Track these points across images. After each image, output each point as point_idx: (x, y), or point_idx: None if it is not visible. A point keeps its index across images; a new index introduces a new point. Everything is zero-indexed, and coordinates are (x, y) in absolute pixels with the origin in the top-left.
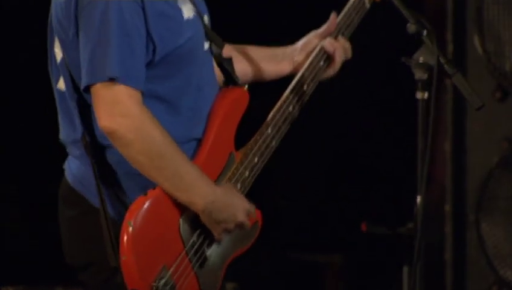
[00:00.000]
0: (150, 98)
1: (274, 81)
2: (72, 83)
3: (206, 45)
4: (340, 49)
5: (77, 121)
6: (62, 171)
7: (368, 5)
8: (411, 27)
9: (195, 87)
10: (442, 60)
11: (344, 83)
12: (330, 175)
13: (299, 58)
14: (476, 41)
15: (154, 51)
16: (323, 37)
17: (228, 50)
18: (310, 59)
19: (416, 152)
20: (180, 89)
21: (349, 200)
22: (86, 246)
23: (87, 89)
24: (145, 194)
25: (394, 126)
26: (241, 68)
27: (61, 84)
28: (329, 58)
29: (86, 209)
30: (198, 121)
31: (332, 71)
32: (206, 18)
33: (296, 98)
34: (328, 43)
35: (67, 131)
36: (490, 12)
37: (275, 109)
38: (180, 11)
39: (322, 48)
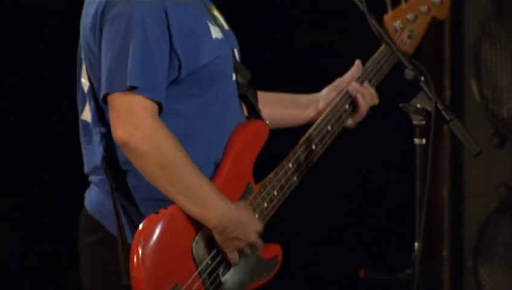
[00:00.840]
0: (173, 115)
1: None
2: (96, 107)
3: (234, 76)
4: (365, 95)
5: (98, 146)
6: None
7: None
8: (409, 73)
9: (219, 110)
10: (439, 106)
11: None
12: (328, 219)
13: (323, 105)
14: (474, 87)
15: (180, 67)
16: (348, 82)
17: (260, 97)
18: (335, 101)
19: (414, 198)
20: (204, 109)
21: (347, 246)
22: (103, 272)
23: (105, 99)
24: (157, 212)
25: (392, 171)
26: (266, 113)
27: (85, 114)
28: (353, 102)
29: (104, 236)
30: (219, 145)
31: (358, 117)
32: (236, 51)
33: (319, 137)
34: (352, 87)
35: (89, 159)
36: (488, 58)
37: (297, 145)
38: (208, 30)
39: (347, 92)
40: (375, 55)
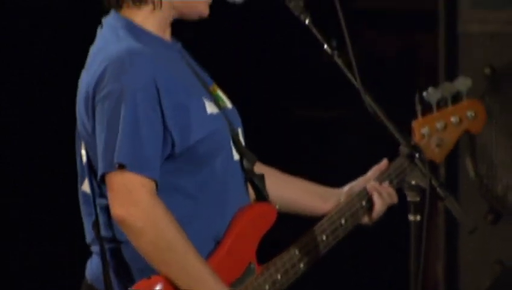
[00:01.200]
0: (171, 191)
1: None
2: (95, 180)
3: (236, 156)
4: (382, 193)
5: (97, 217)
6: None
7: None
8: (404, 150)
9: (219, 188)
10: (434, 183)
11: None
12: None
13: (343, 200)
14: (468, 164)
15: (173, 143)
16: (369, 180)
17: (278, 177)
18: (352, 196)
19: (409, 274)
20: (203, 186)
21: None
22: None
23: (103, 179)
24: (149, 277)
25: (386, 248)
26: (284, 196)
27: (85, 186)
28: (371, 200)
29: None
30: (220, 223)
31: (375, 215)
32: (240, 131)
33: (331, 229)
34: (370, 185)
35: (89, 229)
36: (483, 134)
37: (307, 233)
38: (203, 105)
39: (364, 189)
40: (400, 157)
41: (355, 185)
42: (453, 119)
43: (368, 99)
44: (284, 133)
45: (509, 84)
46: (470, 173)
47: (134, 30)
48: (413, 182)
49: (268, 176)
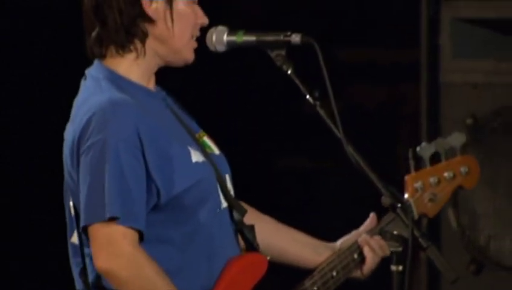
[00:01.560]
0: (158, 243)
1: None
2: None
3: (224, 204)
4: (374, 246)
5: (85, 265)
6: None
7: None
8: (385, 200)
9: (206, 238)
10: (416, 233)
11: None
12: None
13: (335, 253)
14: (451, 214)
15: (158, 193)
16: (361, 234)
17: (272, 225)
18: (344, 249)
19: None
20: (190, 236)
21: None
22: None
23: (86, 230)
24: None
25: None
26: (276, 246)
27: (74, 238)
28: (362, 253)
29: None
30: (209, 273)
31: (366, 268)
32: (228, 178)
33: (322, 281)
34: (362, 238)
35: (78, 279)
36: None
37: (297, 286)
38: (188, 153)
39: (356, 242)
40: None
41: (348, 239)
42: (446, 174)
43: (350, 149)
44: (267, 182)
45: (491, 134)
46: (452, 224)
47: (117, 80)
48: (395, 232)
49: (260, 223)
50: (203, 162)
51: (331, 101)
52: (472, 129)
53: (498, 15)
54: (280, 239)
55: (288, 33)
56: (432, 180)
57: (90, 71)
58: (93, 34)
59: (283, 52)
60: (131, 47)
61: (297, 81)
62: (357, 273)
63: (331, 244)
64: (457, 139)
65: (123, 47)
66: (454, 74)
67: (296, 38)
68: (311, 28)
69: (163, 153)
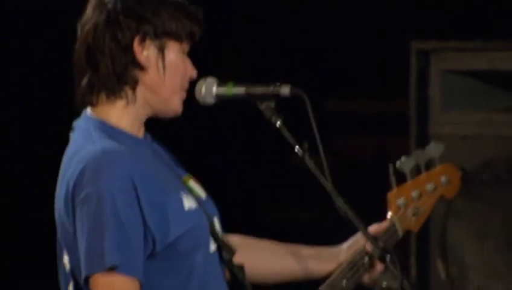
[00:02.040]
0: None
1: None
2: (77, 287)
3: (213, 246)
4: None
5: None
6: None
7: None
8: (375, 251)
9: (201, 282)
10: (405, 285)
11: None
12: None
13: (344, 258)
14: (439, 265)
15: (153, 241)
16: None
17: (270, 251)
18: (353, 256)
19: None
20: (186, 282)
21: None
22: None
23: (87, 281)
24: None
25: None
26: (283, 265)
27: None
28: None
29: None
30: None
31: (374, 273)
32: (216, 220)
33: None
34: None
35: None
36: (453, 236)
37: None
38: (180, 201)
39: (364, 247)
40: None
41: (355, 240)
42: (428, 186)
43: (339, 201)
44: (255, 232)
45: (480, 186)
46: (441, 274)
47: (108, 130)
48: (384, 284)
49: (257, 251)
50: (195, 208)
51: (320, 152)
52: (462, 181)
53: (487, 67)
54: (283, 262)
55: (278, 84)
56: (414, 194)
57: (78, 123)
58: (84, 80)
59: (272, 104)
60: (122, 94)
61: (286, 134)
62: (365, 279)
63: (336, 249)
64: (435, 149)
65: (114, 93)
66: (443, 126)
67: (285, 90)
68: (301, 79)
69: (157, 201)
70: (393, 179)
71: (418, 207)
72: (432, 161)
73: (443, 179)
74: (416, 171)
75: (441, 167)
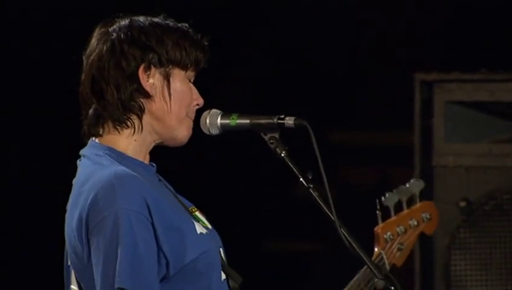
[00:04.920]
0: None
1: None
2: None
3: (223, 276)
4: None
5: None
6: None
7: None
8: (379, 283)
9: None
10: None
11: None
12: None
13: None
14: None
15: (167, 264)
16: None
17: None
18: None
19: None
20: None
21: None
22: None
23: None
24: None
25: None
26: None
27: None
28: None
29: None
30: None
31: None
32: (221, 251)
33: None
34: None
35: None
36: (457, 266)
37: None
38: (192, 225)
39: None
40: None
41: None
42: (410, 222)
43: (343, 232)
44: (259, 264)
45: (484, 217)
46: None
47: (116, 155)
48: None
49: None
50: (206, 233)
51: (324, 183)
52: (465, 212)
53: (490, 98)
54: None
55: (282, 116)
56: (399, 229)
57: (85, 152)
58: (90, 111)
59: (277, 135)
60: (129, 123)
61: (290, 165)
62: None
63: None
64: (416, 186)
65: (120, 122)
66: (447, 157)
67: (289, 121)
68: (305, 110)
69: (171, 224)
70: (379, 214)
71: (402, 243)
72: (413, 198)
73: (424, 215)
74: (399, 206)
75: (422, 204)
